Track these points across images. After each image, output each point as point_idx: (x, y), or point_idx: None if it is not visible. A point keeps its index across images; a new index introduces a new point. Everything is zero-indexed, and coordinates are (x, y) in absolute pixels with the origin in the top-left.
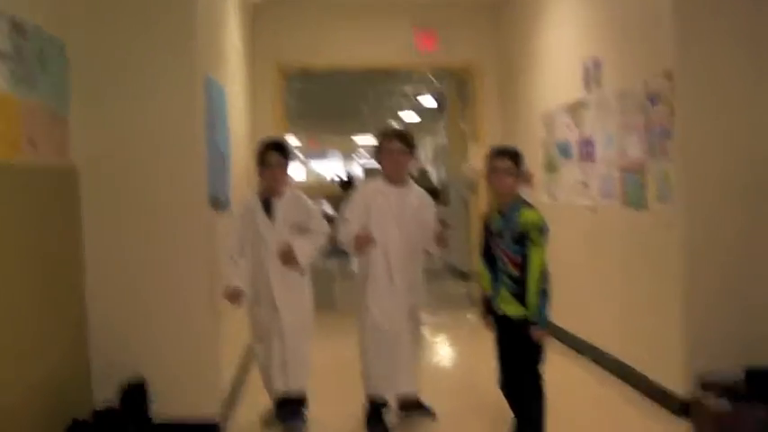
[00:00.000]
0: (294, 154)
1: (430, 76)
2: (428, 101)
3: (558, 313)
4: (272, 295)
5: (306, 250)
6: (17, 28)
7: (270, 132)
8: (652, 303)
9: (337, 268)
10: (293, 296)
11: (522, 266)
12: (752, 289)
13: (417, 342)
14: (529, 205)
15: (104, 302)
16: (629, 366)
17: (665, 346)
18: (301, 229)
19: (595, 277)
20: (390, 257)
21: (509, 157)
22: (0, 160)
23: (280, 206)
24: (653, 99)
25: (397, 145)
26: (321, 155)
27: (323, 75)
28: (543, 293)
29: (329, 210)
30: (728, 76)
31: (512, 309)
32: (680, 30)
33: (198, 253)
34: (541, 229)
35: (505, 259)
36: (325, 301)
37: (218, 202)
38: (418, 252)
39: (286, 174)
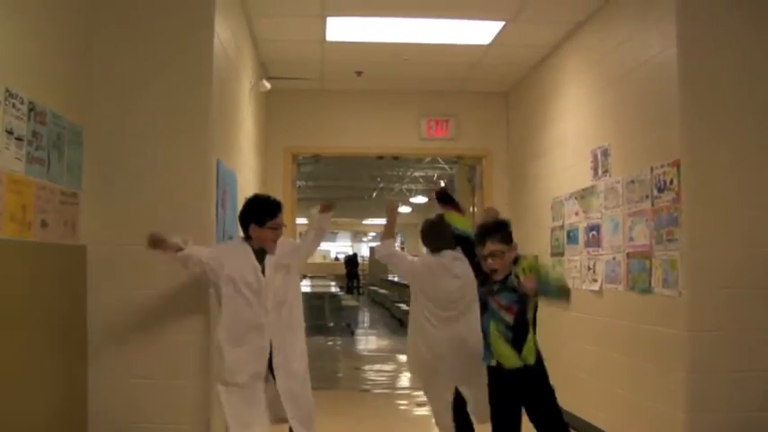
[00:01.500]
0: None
1: (440, 160)
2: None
3: (561, 393)
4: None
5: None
6: (36, 114)
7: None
8: (656, 387)
9: (341, 346)
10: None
11: (517, 314)
12: (756, 373)
13: None
14: (519, 259)
15: (105, 374)
16: None
17: (667, 428)
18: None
19: (600, 360)
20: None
21: (500, 236)
22: (14, 238)
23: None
24: (660, 186)
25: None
26: (330, 235)
27: (334, 159)
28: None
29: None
30: (735, 165)
31: (510, 360)
32: (687, 119)
33: (201, 333)
34: (537, 262)
35: (500, 311)
36: (328, 380)
37: None
38: None
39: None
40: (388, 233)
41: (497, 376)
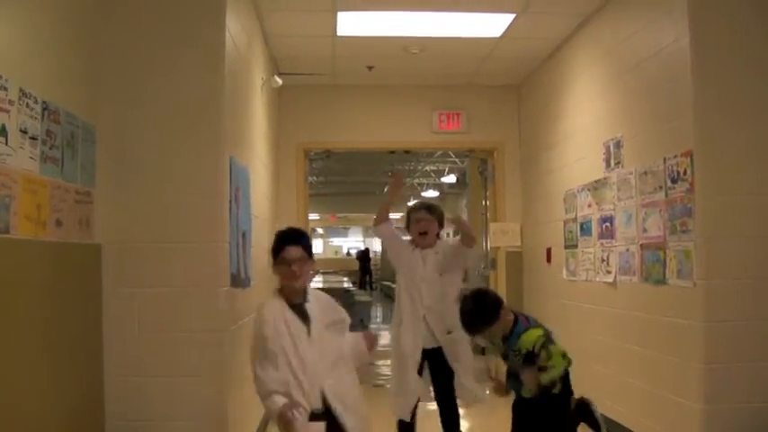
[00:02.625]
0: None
1: (451, 154)
2: (449, 178)
3: (576, 385)
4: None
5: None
6: (50, 113)
7: (292, 209)
8: (670, 376)
9: None
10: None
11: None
12: None
13: None
14: (526, 324)
15: (121, 372)
16: None
17: (683, 419)
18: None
19: (615, 352)
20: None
21: (489, 318)
22: (30, 238)
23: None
24: (673, 177)
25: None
26: (341, 231)
27: (345, 154)
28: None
29: (347, 284)
30: (749, 154)
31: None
32: (699, 109)
33: (217, 329)
34: (543, 345)
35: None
36: None
37: (238, 280)
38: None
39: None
40: (385, 208)
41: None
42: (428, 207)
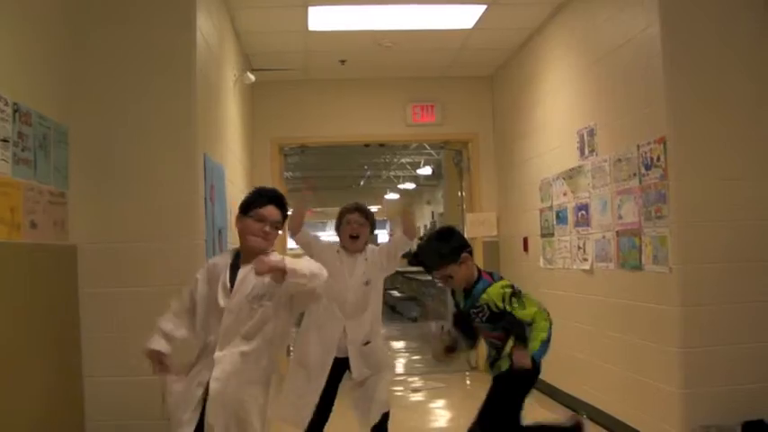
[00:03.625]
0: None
1: (427, 146)
2: (425, 171)
3: (557, 374)
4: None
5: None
6: (21, 115)
7: None
8: (649, 362)
9: None
10: None
11: (505, 338)
12: (749, 345)
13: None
14: (490, 280)
15: (100, 373)
16: (628, 425)
17: (663, 404)
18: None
19: (594, 339)
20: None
21: (448, 256)
22: (4, 240)
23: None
24: (647, 164)
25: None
26: (319, 225)
27: (320, 148)
28: (543, 343)
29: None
30: (722, 139)
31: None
32: (672, 95)
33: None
34: (513, 295)
35: (487, 336)
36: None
37: None
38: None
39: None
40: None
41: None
42: (361, 209)
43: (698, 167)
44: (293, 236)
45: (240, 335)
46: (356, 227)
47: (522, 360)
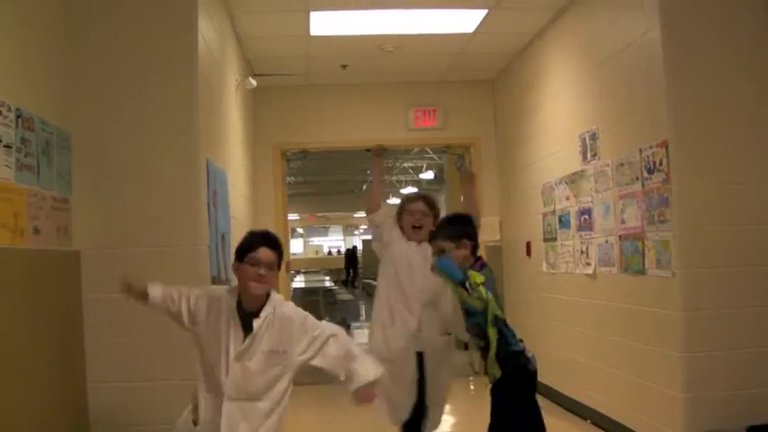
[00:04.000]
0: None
1: (429, 151)
2: (427, 175)
3: (559, 378)
4: None
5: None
6: (24, 121)
7: (271, 210)
8: (652, 366)
9: None
10: None
11: (484, 335)
12: (752, 350)
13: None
14: (477, 267)
15: (103, 381)
16: (631, 429)
17: (666, 408)
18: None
19: (596, 343)
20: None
21: (449, 234)
22: (7, 246)
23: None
24: (649, 168)
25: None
26: (321, 230)
27: (322, 153)
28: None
29: (328, 282)
30: (724, 142)
31: (494, 371)
32: (673, 99)
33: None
34: (482, 284)
35: (468, 331)
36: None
37: (219, 283)
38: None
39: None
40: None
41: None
42: (426, 198)
43: (700, 171)
44: (371, 213)
45: (252, 388)
46: (419, 217)
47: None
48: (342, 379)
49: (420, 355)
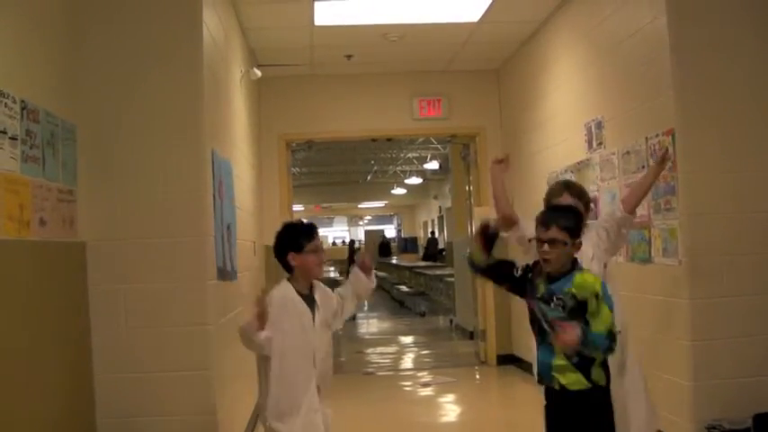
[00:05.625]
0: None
1: (433, 141)
2: (432, 165)
3: None
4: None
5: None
6: (29, 112)
7: (276, 201)
8: (659, 354)
9: (342, 331)
10: None
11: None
12: (759, 338)
13: None
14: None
15: (110, 369)
16: None
17: (673, 396)
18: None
19: None
20: None
21: (565, 223)
22: (13, 238)
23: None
24: (655, 156)
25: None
26: (326, 221)
27: (327, 144)
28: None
29: (333, 273)
30: (730, 130)
31: (571, 380)
32: (679, 87)
33: (205, 323)
34: (598, 296)
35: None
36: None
37: (225, 273)
38: None
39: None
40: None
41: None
42: (571, 188)
43: (707, 159)
44: (507, 230)
45: (321, 354)
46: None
47: (567, 337)
48: (351, 286)
49: None
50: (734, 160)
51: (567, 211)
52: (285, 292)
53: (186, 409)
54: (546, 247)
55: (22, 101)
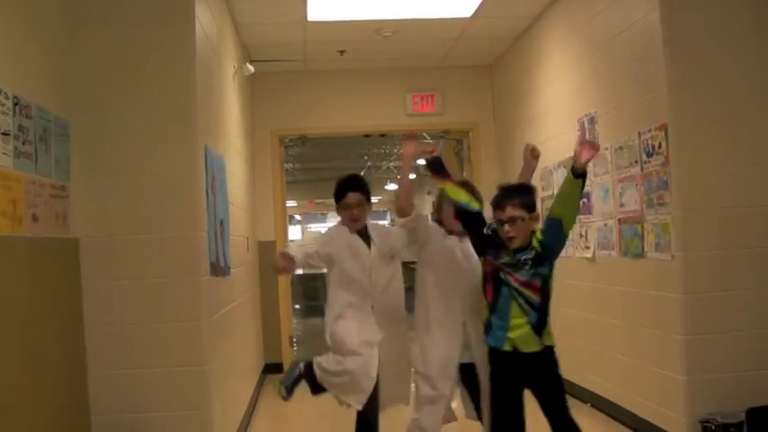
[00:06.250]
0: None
1: (427, 136)
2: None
3: (561, 364)
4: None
5: None
6: (21, 108)
7: (269, 196)
8: (652, 349)
9: None
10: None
11: (542, 290)
12: (752, 332)
13: None
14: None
15: (104, 365)
16: (631, 412)
17: (666, 391)
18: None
19: (596, 326)
20: None
21: (521, 201)
22: (6, 234)
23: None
24: (648, 151)
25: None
26: (319, 217)
27: (320, 139)
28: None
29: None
30: (723, 125)
31: (533, 346)
32: (672, 82)
33: (198, 319)
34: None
35: (521, 288)
36: None
37: (218, 269)
38: None
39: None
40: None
41: (511, 362)
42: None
43: (700, 154)
44: (401, 217)
45: (381, 282)
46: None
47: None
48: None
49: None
50: (727, 155)
51: (517, 188)
52: (338, 227)
53: (180, 405)
54: (507, 226)
55: (15, 96)
